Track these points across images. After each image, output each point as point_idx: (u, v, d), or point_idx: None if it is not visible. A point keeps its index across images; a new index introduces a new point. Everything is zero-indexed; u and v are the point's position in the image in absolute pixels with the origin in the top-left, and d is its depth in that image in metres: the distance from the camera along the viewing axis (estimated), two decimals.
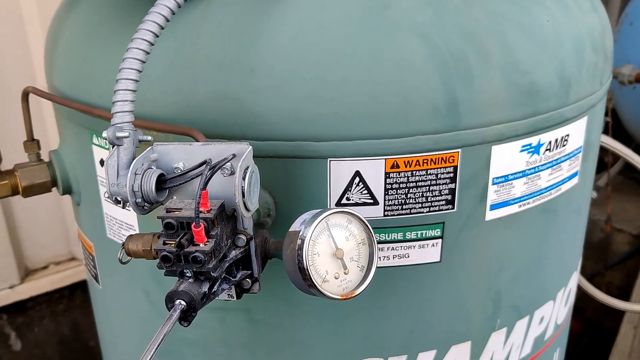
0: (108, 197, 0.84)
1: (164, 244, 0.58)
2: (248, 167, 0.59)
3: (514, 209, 0.82)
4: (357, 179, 0.74)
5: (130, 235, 0.68)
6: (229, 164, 0.59)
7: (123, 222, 0.87)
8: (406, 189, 0.75)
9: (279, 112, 0.71)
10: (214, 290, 0.60)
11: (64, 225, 2.17)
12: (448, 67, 0.72)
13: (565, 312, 1.08)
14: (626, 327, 2.27)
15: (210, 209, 0.58)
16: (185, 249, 0.56)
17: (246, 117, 0.71)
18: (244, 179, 0.58)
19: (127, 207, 0.62)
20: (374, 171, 0.73)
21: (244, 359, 0.86)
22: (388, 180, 0.74)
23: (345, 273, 0.59)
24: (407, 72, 0.71)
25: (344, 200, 0.75)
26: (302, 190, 0.74)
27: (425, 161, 0.74)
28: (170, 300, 0.57)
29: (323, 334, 0.82)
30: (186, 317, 0.57)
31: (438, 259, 0.80)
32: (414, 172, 0.74)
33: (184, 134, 0.68)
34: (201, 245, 0.57)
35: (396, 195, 0.75)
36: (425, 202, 0.76)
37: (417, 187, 0.75)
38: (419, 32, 0.72)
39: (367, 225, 0.60)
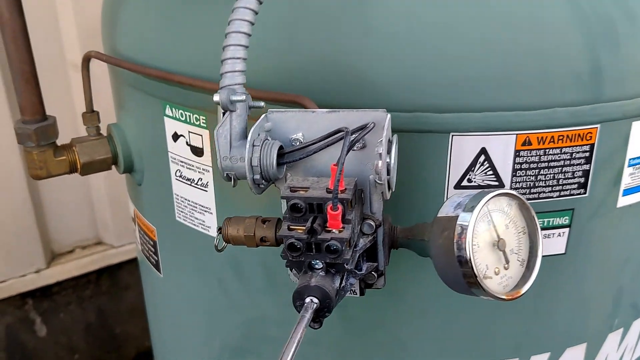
0: (189, 177, 0.74)
1: (290, 229, 0.48)
2: (393, 140, 0.48)
3: None
4: (482, 157, 0.64)
5: (229, 219, 0.58)
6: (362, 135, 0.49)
7: (197, 204, 0.77)
8: (536, 170, 0.65)
9: (396, 78, 0.61)
10: (343, 285, 0.50)
11: (91, 208, 2.09)
12: (593, 32, 0.62)
13: None
14: None
15: (346, 189, 0.48)
16: (319, 236, 0.46)
17: (358, 83, 0.61)
18: (388, 152, 0.47)
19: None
20: (502, 148, 0.63)
21: None
22: (517, 160, 0.64)
23: (505, 268, 0.49)
24: (547, 36, 0.61)
25: (464, 182, 0.65)
26: (417, 169, 0.64)
27: (561, 138, 0.64)
28: (299, 297, 0.47)
29: (428, 333, 0.73)
30: (317, 317, 0.47)
31: (563, 251, 0.70)
32: (547, 150, 0.64)
33: (292, 102, 0.58)
34: (335, 231, 0.47)
35: (525, 177, 0.65)
36: (555, 186, 0.66)
37: (548, 167, 0.65)
38: None
39: (529, 211, 0.50)
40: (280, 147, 0.50)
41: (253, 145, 0.48)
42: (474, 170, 0.64)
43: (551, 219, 0.68)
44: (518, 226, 0.50)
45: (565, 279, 0.72)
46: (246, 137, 0.50)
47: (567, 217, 0.68)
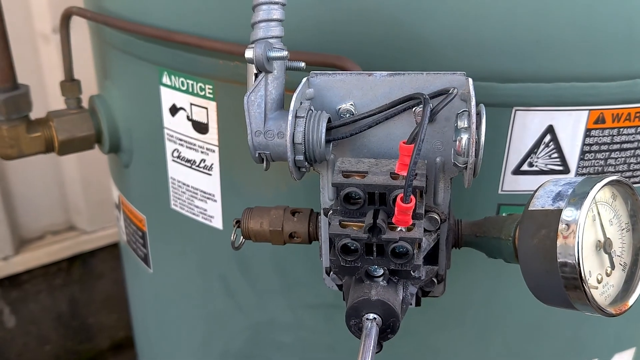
0: (189, 158, 0.63)
1: (342, 225, 0.37)
2: (481, 111, 0.38)
3: None
4: (547, 137, 0.54)
5: (250, 210, 0.47)
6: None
7: (198, 189, 0.66)
8: (607, 153, 0.55)
9: (453, 38, 0.51)
10: (404, 296, 0.40)
11: (62, 191, 1.96)
12: None
13: None
14: None
15: (416, 174, 0.37)
16: (383, 236, 0.36)
17: (408, 44, 0.50)
18: (477, 127, 0.37)
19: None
20: (572, 126, 0.54)
21: None
22: (588, 140, 0.54)
23: (607, 274, 0.39)
24: None
25: (524, 167, 0.55)
26: None
27: (638, 115, 0.55)
28: (356, 313, 0.36)
29: (464, 342, 0.63)
30: (380, 338, 0.37)
31: None
32: (621, 129, 0.55)
33: (330, 64, 0.47)
34: (403, 229, 0.36)
35: (594, 161, 0.56)
36: (626, 171, 0.57)
37: (620, 150, 0.56)
38: None
39: (638, 202, 0.40)
40: (328, 120, 0.39)
41: (296, 117, 0.37)
42: (537, 152, 0.54)
43: None
44: (622, 222, 0.40)
45: None
46: (283, 107, 0.39)
47: None
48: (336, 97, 0.41)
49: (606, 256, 0.38)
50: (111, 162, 0.84)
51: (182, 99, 0.62)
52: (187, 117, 0.62)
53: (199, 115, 0.61)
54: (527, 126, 0.53)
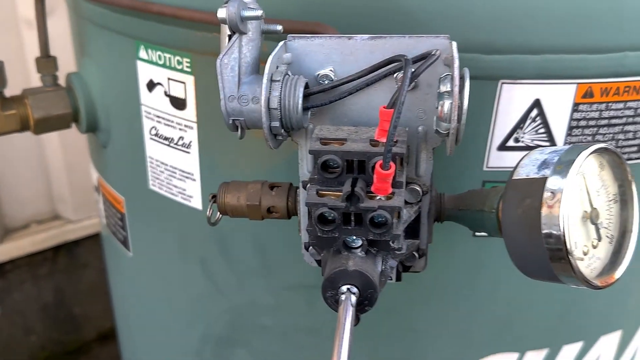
0: (168, 136, 0.61)
1: (319, 194, 0.35)
2: (465, 74, 0.36)
3: None
4: (534, 112, 0.52)
5: (226, 184, 0.46)
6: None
7: (176, 168, 0.64)
8: (595, 128, 0.54)
9: (437, 7, 0.49)
10: (382, 268, 0.38)
11: (47, 179, 1.94)
12: None
13: None
14: None
15: (397, 141, 0.35)
16: (362, 204, 0.34)
17: (391, 13, 0.49)
18: (460, 92, 0.35)
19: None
20: (559, 100, 0.52)
21: None
22: (575, 115, 0.53)
23: (594, 246, 0.37)
24: None
25: (510, 142, 0.54)
26: None
27: (627, 89, 0.53)
28: (332, 285, 0.35)
29: (447, 322, 0.63)
30: (357, 310, 0.35)
31: None
32: (609, 104, 0.53)
33: (310, 31, 0.45)
34: (382, 198, 0.35)
35: (581, 137, 0.54)
36: None
37: (609, 125, 0.54)
38: None
39: (626, 172, 0.38)
40: (306, 86, 0.37)
41: (272, 81, 0.35)
42: (523, 127, 0.53)
43: None
44: (610, 193, 0.38)
45: None
46: (259, 72, 0.37)
47: None
48: (315, 63, 0.39)
49: (593, 227, 0.37)
50: (90, 143, 0.82)
51: (159, 74, 0.60)
52: (165, 92, 0.61)
53: (177, 90, 0.59)
54: (514, 100, 0.52)
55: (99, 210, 0.87)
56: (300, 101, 0.36)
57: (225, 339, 0.71)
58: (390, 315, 0.63)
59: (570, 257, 0.34)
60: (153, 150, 0.66)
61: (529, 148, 0.54)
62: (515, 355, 0.66)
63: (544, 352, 0.66)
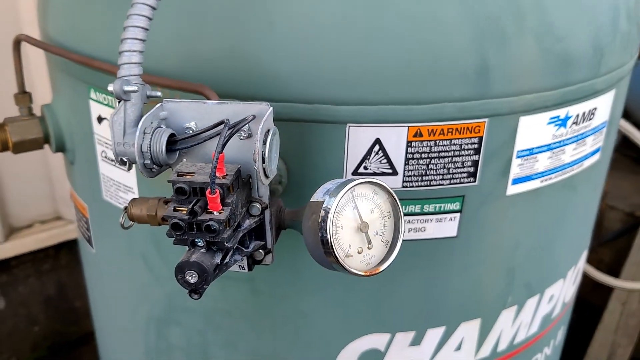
0: (113, 158, 0.79)
1: (175, 210, 0.53)
2: (269, 130, 0.54)
3: (535, 184, 0.78)
4: (376, 147, 0.69)
5: (134, 199, 0.63)
6: (247, 126, 0.54)
7: (121, 183, 0.81)
8: (427, 160, 0.70)
9: (298, 71, 0.65)
10: (226, 261, 0.55)
11: (50, 184, 2.10)
12: (481, 30, 0.67)
13: (573, 291, 1.05)
14: (614, 303, 2.27)
15: (226, 175, 0.53)
16: (199, 217, 0.51)
17: (262, 75, 0.66)
18: (264, 142, 0.52)
19: (126, 169, 0.57)
20: (395, 139, 0.68)
21: (247, 330, 0.82)
22: (409, 150, 0.69)
23: (368, 248, 0.54)
24: (437, 33, 0.66)
25: (361, 170, 0.70)
26: (317, 157, 0.69)
27: (450, 130, 0.69)
28: (180, 271, 0.52)
29: (328, 306, 0.78)
30: (197, 289, 0.52)
31: (455, 234, 0.76)
32: (437, 141, 0.70)
33: (194, 91, 0.62)
34: (215, 213, 0.52)
35: (417, 166, 0.70)
36: (446, 174, 0.72)
37: (439, 157, 0.71)
38: None
39: (394, 198, 0.55)
40: (172, 135, 0.55)
41: (144, 133, 0.53)
42: (369, 158, 0.69)
43: (443, 205, 0.74)
44: (383, 211, 0.55)
45: (457, 259, 0.78)
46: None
47: (458, 203, 0.74)
48: (184, 118, 0.57)
49: (364, 235, 0.54)
50: (64, 160, 1.00)
51: (105, 111, 0.78)
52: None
53: None
54: (360, 138, 0.68)
55: (73, 214, 1.05)
56: (163, 147, 0.53)
57: (164, 319, 0.89)
58: (283, 301, 0.79)
59: (336, 256, 0.51)
60: (104, 168, 0.84)
61: (376, 174, 0.71)
62: (387, 335, 0.82)
63: (411, 334, 0.82)
